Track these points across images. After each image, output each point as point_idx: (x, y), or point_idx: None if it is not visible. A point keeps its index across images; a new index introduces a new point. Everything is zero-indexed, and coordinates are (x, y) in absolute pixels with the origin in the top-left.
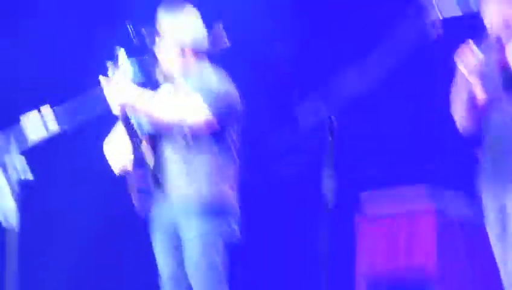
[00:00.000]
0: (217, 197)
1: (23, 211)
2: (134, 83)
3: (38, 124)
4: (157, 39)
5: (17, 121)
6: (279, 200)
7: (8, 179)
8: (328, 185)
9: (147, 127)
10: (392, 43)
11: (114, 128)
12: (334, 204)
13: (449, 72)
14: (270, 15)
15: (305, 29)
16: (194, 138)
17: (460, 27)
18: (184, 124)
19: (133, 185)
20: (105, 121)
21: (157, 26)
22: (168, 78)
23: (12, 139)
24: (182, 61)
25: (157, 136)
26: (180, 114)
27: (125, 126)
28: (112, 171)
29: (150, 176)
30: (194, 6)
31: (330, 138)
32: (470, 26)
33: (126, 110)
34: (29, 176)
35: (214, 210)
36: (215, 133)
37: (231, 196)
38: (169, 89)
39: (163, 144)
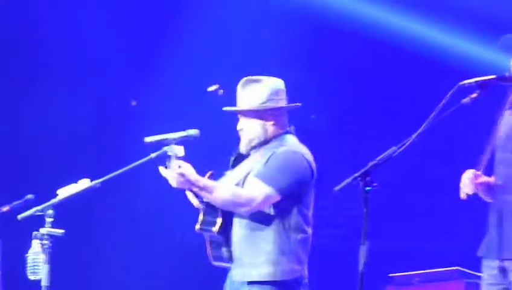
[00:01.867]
0: (279, 278)
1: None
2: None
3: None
4: (239, 116)
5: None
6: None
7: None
8: (362, 253)
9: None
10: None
11: None
12: (366, 272)
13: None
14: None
15: (338, 101)
16: (257, 216)
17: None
18: (237, 206)
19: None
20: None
21: (237, 103)
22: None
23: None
24: (262, 135)
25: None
26: (231, 198)
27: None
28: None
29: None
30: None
31: (365, 209)
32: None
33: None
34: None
35: None
36: (281, 210)
37: (297, 271)
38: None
39: (233, 217)
